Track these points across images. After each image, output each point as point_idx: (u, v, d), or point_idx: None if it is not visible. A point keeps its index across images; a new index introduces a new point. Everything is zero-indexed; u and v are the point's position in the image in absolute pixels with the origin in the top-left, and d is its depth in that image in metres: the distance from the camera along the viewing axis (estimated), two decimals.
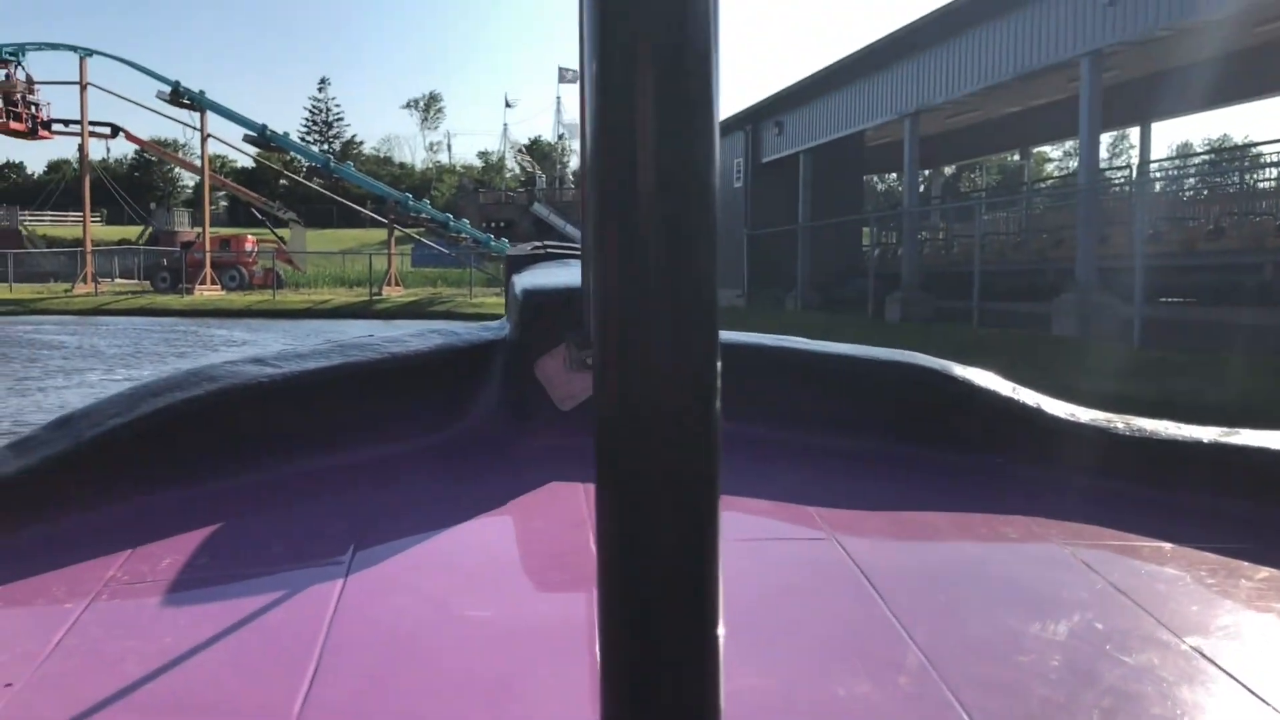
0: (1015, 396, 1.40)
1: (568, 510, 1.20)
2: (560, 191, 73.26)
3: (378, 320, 33.34)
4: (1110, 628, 0.93)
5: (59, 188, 64.32)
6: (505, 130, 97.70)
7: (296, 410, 1.32)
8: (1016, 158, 35.08)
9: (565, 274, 1.56)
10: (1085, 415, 1.38)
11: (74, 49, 44.36)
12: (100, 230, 66.63)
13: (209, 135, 44.28)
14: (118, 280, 47.45)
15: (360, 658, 0.85)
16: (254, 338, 25.49)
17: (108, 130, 47.22)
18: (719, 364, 0.39)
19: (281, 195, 63.48)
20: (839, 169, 26.02)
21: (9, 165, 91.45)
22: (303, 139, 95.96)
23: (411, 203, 43.22)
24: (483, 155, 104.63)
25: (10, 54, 43.88)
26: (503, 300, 1.88)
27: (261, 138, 42.86)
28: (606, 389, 0.39)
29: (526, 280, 1.52)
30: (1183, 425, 1.37)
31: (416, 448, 1.39)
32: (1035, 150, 55.23)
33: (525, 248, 1.92)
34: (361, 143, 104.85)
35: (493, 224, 64.90)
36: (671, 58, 0.37)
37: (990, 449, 1.41)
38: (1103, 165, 29.70)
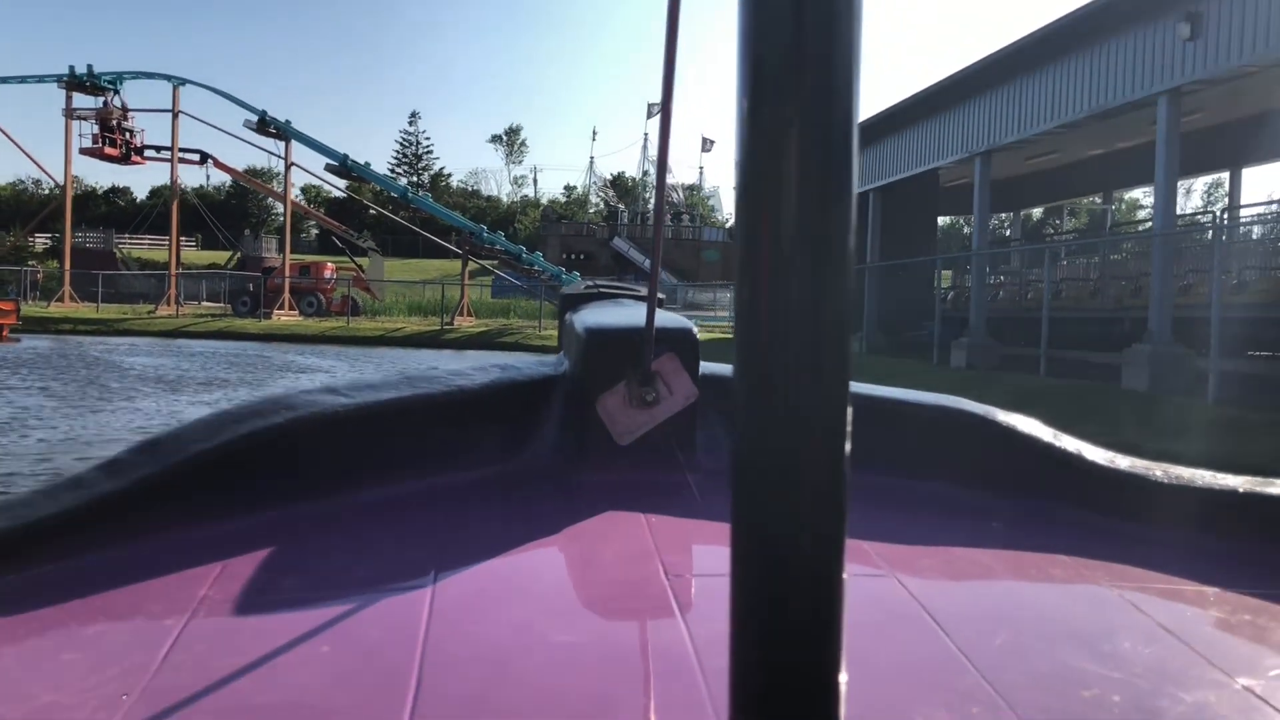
0: (1055, 442, 1.44)
1: (633, 540, 1.23)
2: (642, 227, 73.33)
3: (447, 350, 33.42)
4: (1164, 667, 0.97)
5: (154, 212, 66.27)
6: (591, 164, 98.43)
7: (368, 439, 1.35)
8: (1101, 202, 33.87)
9: (624, 313, 1.61)
10: (1124, 461, 1.42)
11: (168, 78, 45.86)
12: (193, 255, 68.76)
13: (293, 164, 45.25)
14: (204, 303, 48.58)
15: (459, 677, 0.89)
16: (320, 364, 25.66)
17: (196, 157, 48.48)
18: (849, 410, 0.42)
19: (370, 225, 64.69)
20: (911, 209, 25.29)
21: (115, 190, 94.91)
22: (393, 171, 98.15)
23: (486, 234, 43.49)
24: (568, 190, 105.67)
25: (109, 82, 45.42)
26: None
27: (342, 167, 43.55)
28: (748, 434, 0.41)
29: (588, 318, 1.56)
30: (1219, 474, 1.40)
31: (479, 478, 1.43)
32: (1127, 196, 53.47)
33: (579, 287, 2.00)
34: (449, 175, 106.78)
35: (573, 256, 65.28)
36: (818, 125, 0.39)
37: (1032, 492, 1.44)
38: (1194, 211, 28.55)
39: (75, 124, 44.92)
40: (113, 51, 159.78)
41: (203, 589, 1.06)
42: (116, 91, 46.11)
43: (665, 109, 1.20)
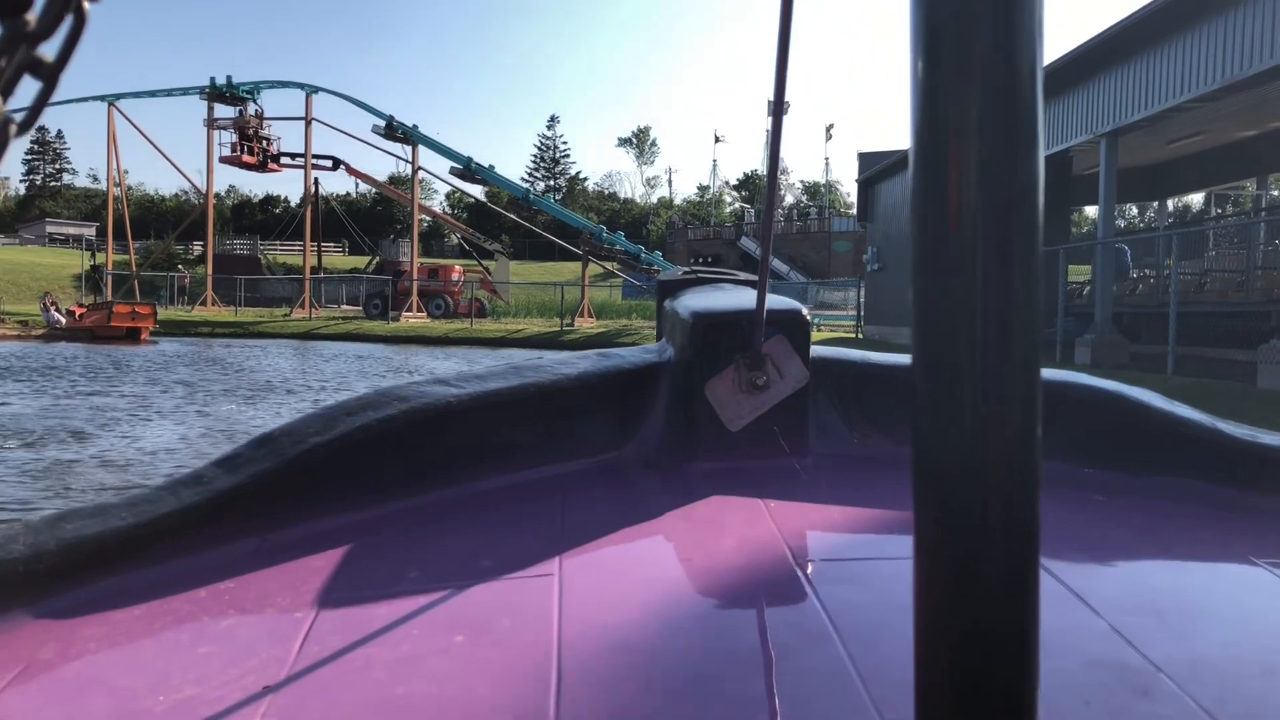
0: (1191, 417, 1.40)
1: (754, 526, 1.22)
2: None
3: (565, 351, 33.08)
4: None
5: (296, 219, 68.66)
6: (715, 166, 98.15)
7: (477, 429, 1.35)
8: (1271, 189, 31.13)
9: (728, 297, 1.59)
10: (1268, 437, 1.37)
11: (301, 86, 47.28)
12: (340, 260, 71.00)
13: (420, 168, 45.94)
14: (343, 306, 49.83)
15: (600, 668, 0.88)
16: (431, 364, 25.69)
17: (329, 163, 49.72)
18: (1039, 399, 0.40)
19: (509, 229, 65.51)
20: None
21: (269, 199, 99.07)
22: (530, 175, 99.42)
23: (605, 235, 43.25)
24: (702, 189, 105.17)
25: (246, 92, 47.15)
26: None
27: (466, 170, 44.02)
28: (929, 423, 0.40)
29: (691, 303, 1.52)
30: None
31: (590, 467, 1.43)
32: None
33: (676, 273, 1.94)
34: (585, 179, 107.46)
35: (700, 259, 64.60)
36: (1001, 94, 0.38)
37: (1167, 469, 1.40)
38: None
39: (216, 134, 46.76)
40: (250, 64, 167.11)
41: (327, 581, 1.06)
42: (254, 100, 47.76)
43: (779, 85, 1.18)
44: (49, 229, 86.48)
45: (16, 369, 20.27)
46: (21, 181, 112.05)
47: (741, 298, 1.51)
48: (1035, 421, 0.39)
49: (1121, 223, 62.01)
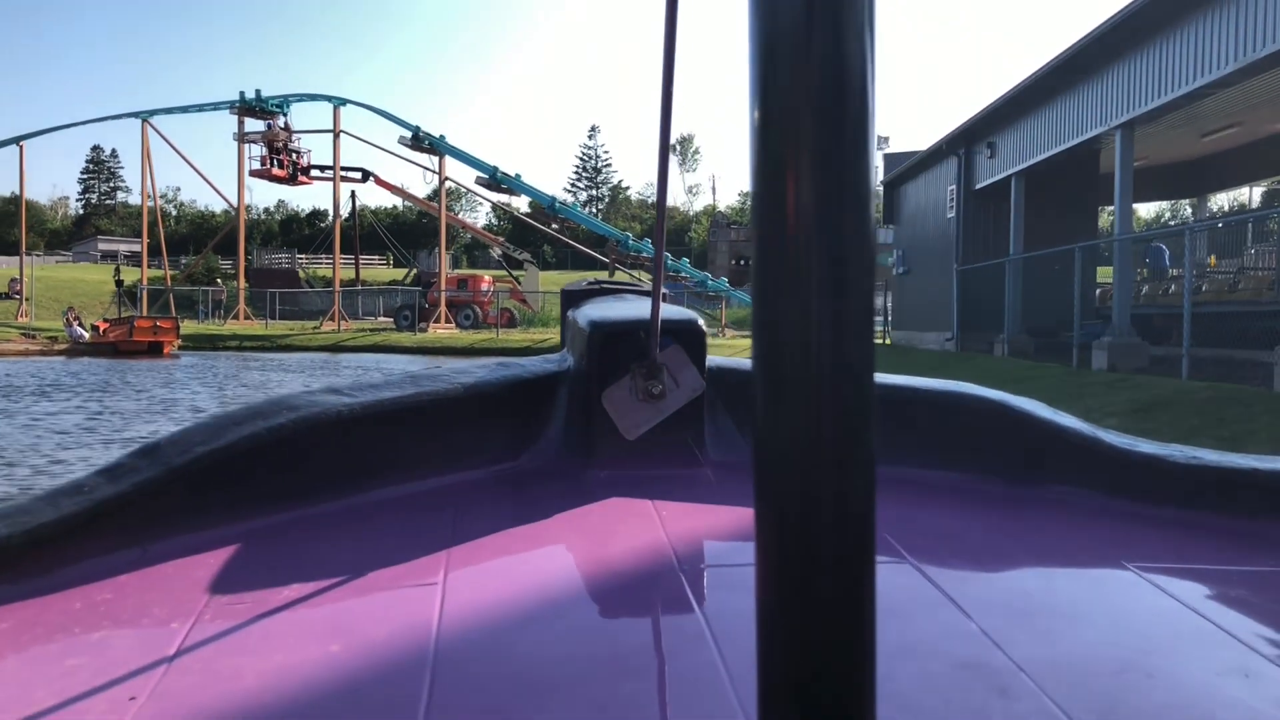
0: (1071, 426, 1.43)
1: (644, 533, 1.23)
2: None
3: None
4: (1190, 648, 0.97)
5: (325, 233, 68.97)
6: None
7: (373, 438, 1.34)
8: None
9: (627, 307, 1.61)
10: (1146, 445, 1.41)
11: (329, 99, 47.49)
12: (382, 272, 71.32)
13: (447, 179, 45.80)
14: (380, 318, 49.85)
15: (472, 676, 0.88)
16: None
17: (359, 175, 49.85)
18: (874, 395, 0.41)
19: (551, 240, 65.41)
20: (1062, 195, 22.60)
21: (316, 213, 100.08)
22: (572, 185, 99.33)
23: (631, 242, 42.78)
24: (744, 195, 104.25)
25: (276, 105, 47.45)
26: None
27: (492, 179, 43.91)
28: (767, 420, 0.41)
29: (591, 313, 1.54)
30: (1239, 455, 1.38)
31: (487, 476, 1.43)
32: None
33: (581, 284, 1.98)
34: (628, 188, 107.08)
35: (742, 260, 63.90)
36: (831, 109, 0.39)
37: (1049, 478, 1.43)
38: None
39: (246, 147, 47.02)
40: (280, 79, 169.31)
41: (207, 592, 1.05)
42: (283, 114, 47.99)
43: (666, 94, 1.21)
44: (100, 245, 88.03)
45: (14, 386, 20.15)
46: (78, 200, 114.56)
47: (641, 308, 1.51)
48: (868, 421, 0.40)
49: (1174, 222, 60.12)
